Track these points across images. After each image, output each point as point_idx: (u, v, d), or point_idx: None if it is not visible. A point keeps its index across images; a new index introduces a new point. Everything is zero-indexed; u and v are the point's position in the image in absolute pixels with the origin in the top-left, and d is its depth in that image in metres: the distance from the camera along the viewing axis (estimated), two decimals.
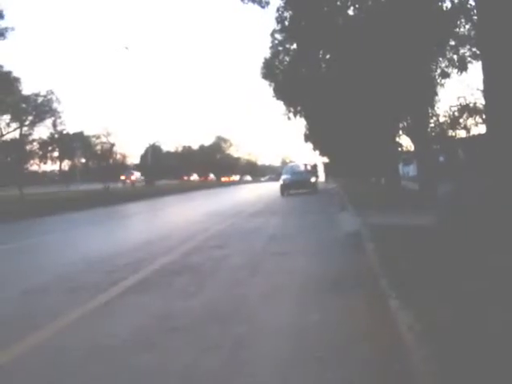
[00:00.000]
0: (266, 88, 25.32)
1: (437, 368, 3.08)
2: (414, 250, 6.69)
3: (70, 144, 39.58)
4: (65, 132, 46.22)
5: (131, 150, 64.08)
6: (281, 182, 30.64)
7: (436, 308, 4.15)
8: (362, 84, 15.36)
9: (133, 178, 56.24)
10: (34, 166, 34.26)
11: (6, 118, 45.77)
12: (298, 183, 30.26)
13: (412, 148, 20.15)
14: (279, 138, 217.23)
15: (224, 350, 3.88)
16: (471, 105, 16.67)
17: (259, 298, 5.34)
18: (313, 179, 31.87)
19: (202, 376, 3.48)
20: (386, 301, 4.72)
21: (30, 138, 46.94)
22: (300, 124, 35.85)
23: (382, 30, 12.58)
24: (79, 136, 43.88)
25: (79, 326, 4.65)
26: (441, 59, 14.91)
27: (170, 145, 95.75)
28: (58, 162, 43.23)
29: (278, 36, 22.85)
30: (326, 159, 63.20)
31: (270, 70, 24.76)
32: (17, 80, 41.37)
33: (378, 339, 3.97)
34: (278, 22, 16.10)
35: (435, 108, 17.26)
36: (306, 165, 35.29)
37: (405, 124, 18.81)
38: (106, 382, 3.48)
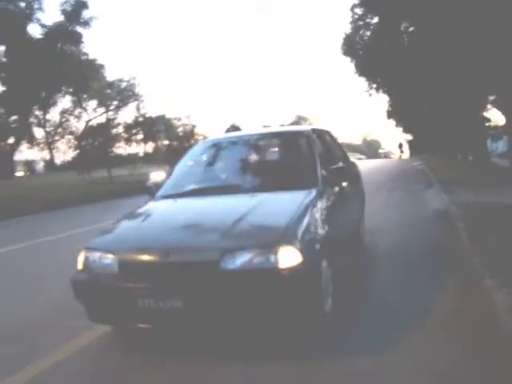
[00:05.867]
0: (347, 65, 24.82)
1: None
2: (505, 229, 6.35)
3: (152, 126, 40.75)
4: (148, 115, 47.76)
5: (212, 131, 65.05)
6: None
7: None
8: (447, 55, 14.63)
9: None
10: (120, 148, 35.46)
11: (93, 103, 47.98)
12: None
13: (501, 123, 19.07)
14: (360, 115, 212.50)
15: None
16: None
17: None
18: None
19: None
20: (479, 279, 4.56)
21: (115, 121, 48.99)
22: (382, 100, 34.73)
23: None
24: (161, 119, 45.02)
25: None
26: None
27: (249, 125, 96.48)
28: (143, 145, 44.61)
29: (358, 10, 22.27)
30: (409, 136, 61.34)
31: (350, 46, 24.19)
32: (101, 67, 43.03)
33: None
34: None
35: None
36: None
37: (494, 97, 17.80)
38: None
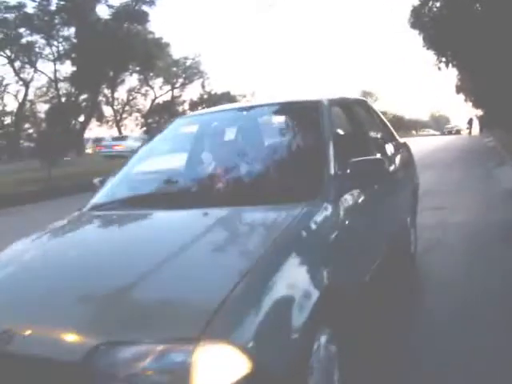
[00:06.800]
0: (414, 38, 24.02)
1: None
2: None
3: (218, 103, 41.22)
4: (213, 92, 48.21)
5: None
6: None
7: None
8: None
9: None
10: None
11: (159, 81, 48.85)
12: None
13: None
14: (427, 90, 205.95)
15: None
16: None
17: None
18: None
19: None
20: None
21: (181, 99, 49.80)
22: (451, 75, 33.47)
23: None
24: (226, 96, 45.39)
25: None
26: None
27: None
28: None
29: None
30: (479, 112, 59.07)
31: (418, 19, 23.36)
32: (167, 45, 43.61)
33: None
34: None
35: None
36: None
37: None
38: None
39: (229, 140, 3.70)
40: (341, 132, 3.69)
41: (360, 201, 3.09)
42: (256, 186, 2.92)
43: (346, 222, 2.79)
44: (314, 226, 2.47)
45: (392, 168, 4.14)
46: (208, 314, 1.70)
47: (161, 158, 3.82)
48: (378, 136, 4.54)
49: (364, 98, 4.89)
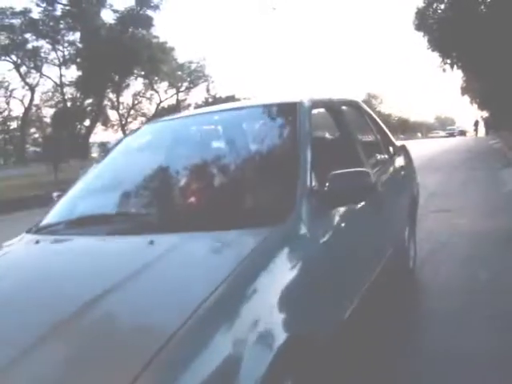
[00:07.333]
0: (419, 40, 24.00)
1: None
2: None
3: None
4: (218, 96, 48.22)
5: None
6: None
7: None
8: None
9: None
10: None
11: (164, 85, 48.90)
12: None
13: None
14: (432, 92, 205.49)
15: None
16: None
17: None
18: None
19: None
20: None
21: (186, 102, 49.88)
22: (456, 76, 33.42)
23: None
24: (231, 99, 45.45)
25: None
26: None
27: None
28: None
29: None
30: (485, 113, 58.96)
31: (423, 21, 23.32)
32: (172, 49, 43.64)
33: None
34: None
35: None
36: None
37: None
38: None
39: (189, 151, 3.17)
40: (325, 138, 3.33)
41: (343, 220, 2.58)
42: (213, 206, 2.42)
43: (323, 248, 2.29)
44: (280, 257, 2.02)
45: (386, 177, 3.72)
46: (136, 369, 1.31)
47: (119, 171, 3.22)
48: (371, 141, 4.02)
49: (356, 99, 4.35)
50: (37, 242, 2.55)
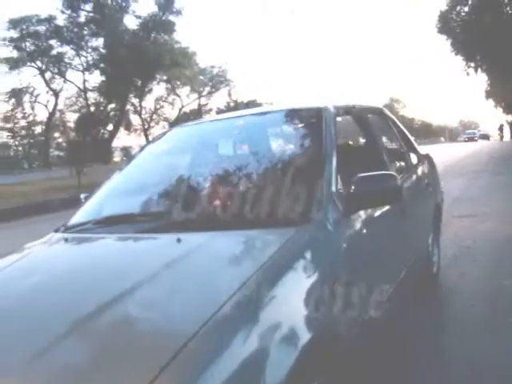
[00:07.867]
0: (442, 44, 23.80)
1: None
2: None
3: None
4: (239, 100, 48.39)
5: None
6: None
7: None
8: None
9: None
10: None
11: (186, 90, 49.26)
12: None
13: None
14: (455, 96, 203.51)
15: None
16: None
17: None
18: None
19: None
20: None
21: (208, 107, 50.18)
22: (480, 80, 33.00)
23: None
24: (253, 104, 45.59)
25: None
26: None
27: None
28: None
29: None
30: (510, 117, 58.14)
31: (446, 24, 23.12)
32: (193, 54, 43.93)
33: None
34: None
35: None
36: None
37: None
38: None
39: (216, 155, 3.30)
40: (350, 143, 3.32)
41: (368, 224, 2.59)
42: (239, 206, 2.39)
43: (347, 250, 2.30)
44: (305, 256, 2.03)
45: (410, 184, 3.72)
46: (156, 369, 1.30)
47: (145, 173, 3.32)
48: (395, 148, 4.02)
49: (380, 106, 4.34)
50: (65, 240, 2.63)
